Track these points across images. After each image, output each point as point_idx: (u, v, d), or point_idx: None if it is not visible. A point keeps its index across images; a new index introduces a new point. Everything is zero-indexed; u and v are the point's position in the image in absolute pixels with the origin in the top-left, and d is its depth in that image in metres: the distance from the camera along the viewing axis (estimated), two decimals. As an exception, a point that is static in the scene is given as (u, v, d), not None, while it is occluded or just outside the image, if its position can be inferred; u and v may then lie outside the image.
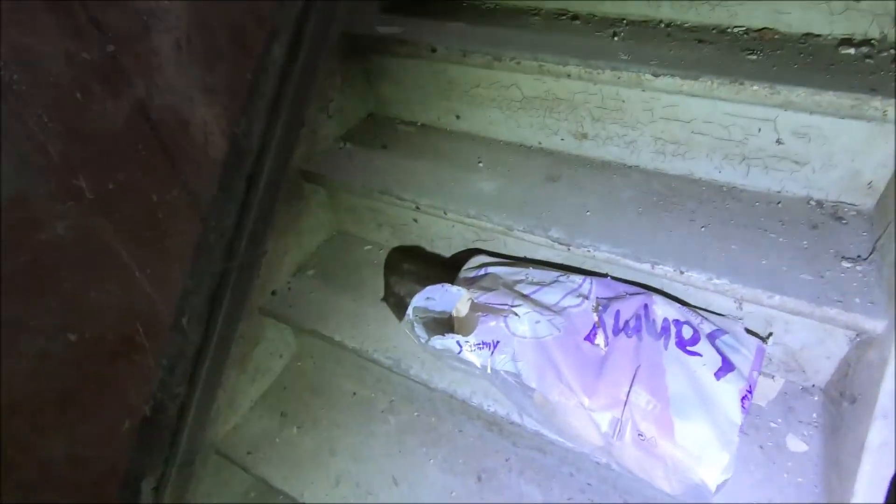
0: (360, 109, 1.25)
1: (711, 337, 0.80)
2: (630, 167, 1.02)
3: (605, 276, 0.91)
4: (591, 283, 0.88)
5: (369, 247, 1.25)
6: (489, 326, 0.80)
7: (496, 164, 1.08)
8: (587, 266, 0.95)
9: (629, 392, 0.73)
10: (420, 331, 0.82)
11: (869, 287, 0.74)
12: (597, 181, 1.00)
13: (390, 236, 1.22)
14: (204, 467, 1.13)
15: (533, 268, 0.94)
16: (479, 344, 0.80)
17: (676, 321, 0.81)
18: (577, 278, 0.89)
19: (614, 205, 0.94)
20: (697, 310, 0.86)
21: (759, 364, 0.79)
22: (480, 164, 1.08)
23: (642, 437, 0.71)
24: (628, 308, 0.83)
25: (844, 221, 0.85)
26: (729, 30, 0.97)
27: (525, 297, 0.85)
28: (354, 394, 1.20)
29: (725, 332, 0.80)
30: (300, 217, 1.17)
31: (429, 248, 1.17)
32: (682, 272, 0.80)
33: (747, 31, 0.95)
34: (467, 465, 1.05)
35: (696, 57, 0.88)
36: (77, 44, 0.75)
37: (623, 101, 0.94)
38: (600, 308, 0.83)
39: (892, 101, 0.72)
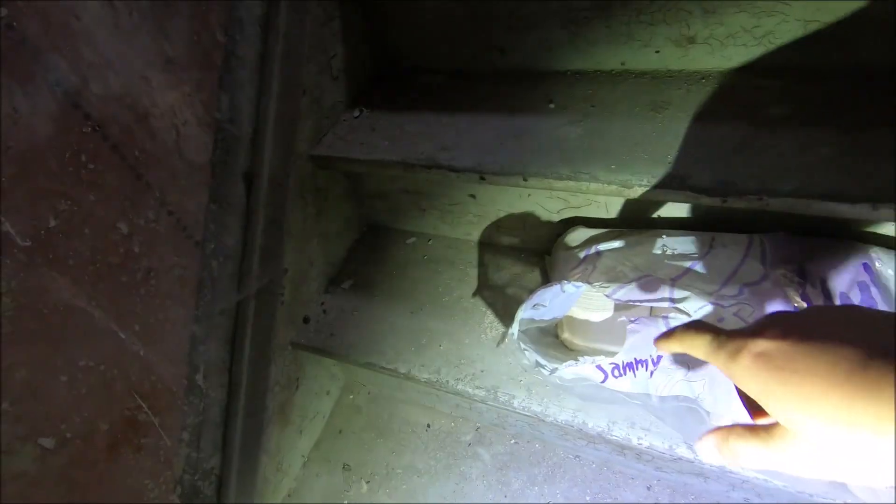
0: (370, 62, 0.95)
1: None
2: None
3: (780, 231, 0.63)
4: (764, 243, 0.60)
5: (413, 239, 0.98)
6: (645, 335, 0.53)
7: (573, 101, 0.79)
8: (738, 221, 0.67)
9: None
10: (537, 357, 0.55)
11: None
12: (734, 97, 0.71)
13: (439, 222, 0.94)
14: (261, 549, 0.90)
15: (666, 235, 0.66)
16: (630, 363, 0.53)
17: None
18: (740, 240, 0.62)
19: (770, 124, 0.65)
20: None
21: None
22: (552, 106, 0.79)
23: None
24: (838, 273, 0.55)
25: None
26: None
27: (682, 281, 0.58)
28: (428, 426, 0.95)
29: None
30: (320, 217, 0.90)
31: (494, 229, 0.90)
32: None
33: None
34: (598, 501, 0.80)
35: None
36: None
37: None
38: (795, 281, 0.55)
39: None
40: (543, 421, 0.69)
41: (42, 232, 0.57)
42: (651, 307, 0.56)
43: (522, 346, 0.57)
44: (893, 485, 0.23)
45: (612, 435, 0.65)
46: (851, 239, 0.60)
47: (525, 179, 0.70)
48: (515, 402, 0.70)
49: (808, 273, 0.56)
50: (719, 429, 0.30)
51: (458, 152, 0.76)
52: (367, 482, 0.89)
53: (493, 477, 0.86)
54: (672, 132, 0.69)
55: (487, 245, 0.93)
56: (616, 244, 0.67)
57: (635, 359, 0.54)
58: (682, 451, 0.61)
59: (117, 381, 0.68)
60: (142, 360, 0.71)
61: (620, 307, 0.59)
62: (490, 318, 0.81)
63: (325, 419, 1.00)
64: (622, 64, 0.81)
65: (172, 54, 0.68)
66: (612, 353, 0.55)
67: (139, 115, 0.66)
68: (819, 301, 0.54)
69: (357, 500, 0.87)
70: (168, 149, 0.70)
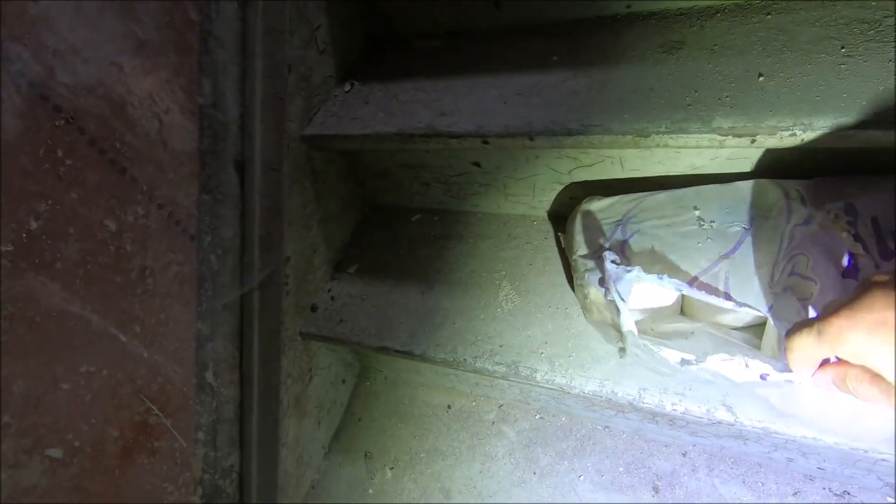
0: (358, 31, 0.90)
1: None
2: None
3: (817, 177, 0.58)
4: (802, 187, 0.55)
5: (418, 216, 0.94)
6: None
7: (578, 52, 0.73)
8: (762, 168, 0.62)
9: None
10: (680, 354, 0.51)
11: None
12: (752, 30, 0.65)
13: (443, 196, 0.90)
14: (290, 543, 0.89)
15: (697, 208, 0.61)
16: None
17: None
18: (775, 187, 0.56)
19: (801, 54, 0.59)
20: None
21: None
22: (555, 59, 0.73)
23: None
24: (889, 210, 0.50)
25: None
26: None
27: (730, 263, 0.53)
28: (449, 407, 0.92)
29: None
30: (320, 200, 0.86)
31: (502, 198, 0.85)
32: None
33: None
34: (632, 472, 0.77)
35: None
36: None
37: None
38: (844, 220, 0.50)
39: None
40: (569, 393, 0.66)
41: (24, 235, 0.54)
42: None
43: (653, 346, 0.52)
44: None
45: (643, 403, 0.61)
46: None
47: (531, 139, 0.65)
48: (538, 376, 0.66)
49: (859, 212, 0.50)
50: (836, 364, 0.34)
51: (458, 117, 0.71)
52: (391, 469, 0.87)
53: (520, 454, 0.83)
54: (689, 73, 0.63)
55: (496, 216, 0.88)
56: (645, 222, 0.62)
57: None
58: (721, 415, 0.57)
59: (123, 386, 0.65)
60: (147, 362, 0.68)
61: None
62: (506, 290, 0.77)
63: (342, 408, 0.97)
64: (627, 7, 0.75)
65: (144, 37, 0.64)
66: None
67: (115, 105, 0.61)
68: (871, 239, 0.48)
69: (382, 488, 0.85)
70: (151, 139, 0.66)
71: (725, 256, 0.57)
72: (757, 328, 0.59)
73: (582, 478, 0.78)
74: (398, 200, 0.95)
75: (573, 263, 0.69)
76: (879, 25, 0.58)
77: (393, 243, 0.91)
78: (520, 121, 0.66)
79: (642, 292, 0.61)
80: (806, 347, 0.34)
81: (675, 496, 0.73)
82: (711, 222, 0.60)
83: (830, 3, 0.63)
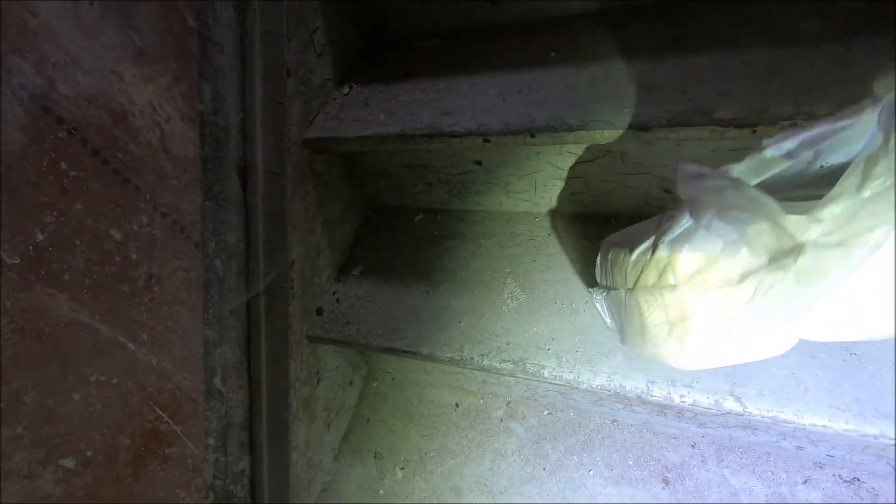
0: (355, 33, 0.90)
1: None
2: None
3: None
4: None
5: (420, 216, 0.94)
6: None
7: (577, 48, 0.73)
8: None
9: None
10: None
11: None
12: (754, 24, 0.65)
13: (446, 195, 0.90)
14: (303, 545, 0.89)
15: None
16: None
17: None
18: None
19: (804, 47, 0.59)
20: None
21: None
22: (553, 55, 0.73)
23: None
24: None
25: None
26: None
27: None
28: (457, 406, 0.92)
29: None
30: (322, 203, 0.86)
31: (504, 196, 0.85)
32: None
33: None
34: (642, 465, 0.77)
35: None
36: None
37: None
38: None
39: None
40: (577, 388, 0.66)
41: (30, 248, 0.54)
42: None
43: None
44: None
45: (651, 395, 0.61)
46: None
47: (532, 136, 0.65)
48: (546, 373, 0.67)
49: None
50: None
51: (459, 116, 0.71)
52: (402, 468, 0.87)
53: (530, 450, 0.83)
54: (690, 65, 0.63)
55: (499, 213, 0.88)
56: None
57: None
58: (730, 405, 0.57)
59: (133, 394, 0.66)
60: (156, 370, 0.68)
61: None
62: (510, 288, 0.77)
63: (351, 410, 0.98)
64: (626, 1, 0.75)
65: (142, 45, 0.64)
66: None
67: (116, 115, 0.62)
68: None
69: (393, 488, 0.85)
70: (153, 148, 0.66)
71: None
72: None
73: (591, 472, 0.78)
74: (400, 201, 0.95)
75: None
76: (878, 15, 0.58)
77: (396, 244, 0.91)
78: (521, 118, 0.66)
79: None
80: None
81: (686, 487, 0.73)
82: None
83: (828, -8, 0.63)
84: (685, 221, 0.50)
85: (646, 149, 0.69)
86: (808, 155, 0.47)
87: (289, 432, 0.83)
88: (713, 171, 0.49)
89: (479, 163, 0.81)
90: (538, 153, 0.75)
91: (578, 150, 0.74)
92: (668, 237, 0.51)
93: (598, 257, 0.67)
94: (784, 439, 0.70)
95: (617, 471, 0.77)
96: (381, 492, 0.86)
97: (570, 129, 0.62)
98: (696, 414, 0.71)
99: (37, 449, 0.55)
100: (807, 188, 0.50)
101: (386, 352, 0.78)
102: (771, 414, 0.56)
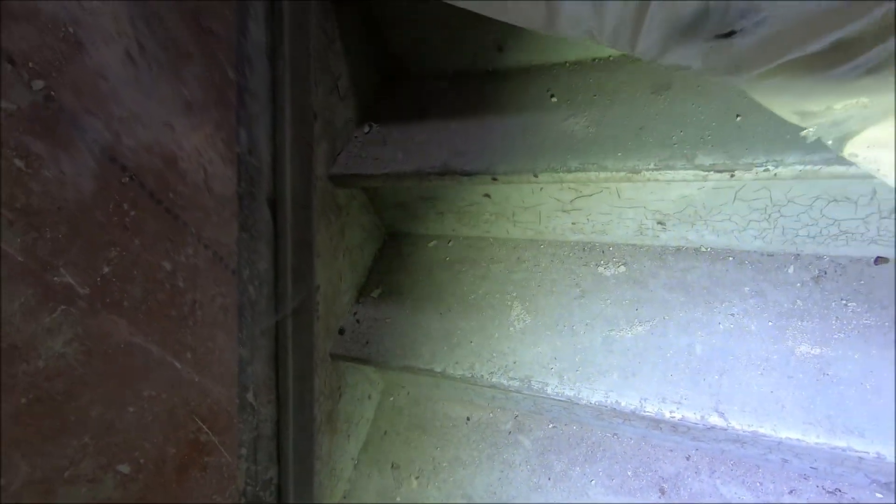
0: (375, 78, 0.98)
1: None
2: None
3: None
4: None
5: (434, 242, 1.01)
6: None
7: (574, 93, 0.81)
8: (760, 200, 0.69)
9: None
10: None
11: None
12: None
13: (457, 223, 0.98)
14: (324, 549, 0.96)
15: None
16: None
17: None
18: None
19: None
20: None
21: None
22: (554, 99, 0.81)
23: None
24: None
25: None
26: None
27: None
28: (468, 419, 0.99)
29: None
30: (344, 231, 0.94)
31: (511, 225, 0.92)
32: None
33: None
34: (640, 476, 0.83)
35: None
36: (-17, 90, 0.52)
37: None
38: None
39: None
40: (577, 404, 0.72)
41: (98, 279, 0.62)
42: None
43: None
44: None
45: (644, 411, 0.68)
46: None
47: (535, 176, 0.72)
48: (549, 389, 0.73)
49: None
50: None
51: (469, 156, 0.79)
52: (417, 478, 0.94)
53: (536, 461, 0.89)
54: (675, 113, 0.71)
55: (506, 240, 0.96)
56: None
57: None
58: (714, 420, 0.64)
59: (178, 408, 0.73)
60: (197, 386, 0.76)
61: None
62: (517, 310, 0.84)
63: (369, 422, 1.05)
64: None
65: (191, 98, 0.73)
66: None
67: (168, 161, 0.70)
68: None
69: (409, 496, 0.92)
70: (198, 188, 0.75)
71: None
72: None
73: (593, 482, 0.84)
74: (415, 228, 1.03)
75: None
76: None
77: (411, 268, 0.99)
78: (524, 158, 0.74)
79: None
80: None
81: (680, 497, 0.79)
82: None
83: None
84: None
85: (638, 186, 0.76)
86: None
87: (313, 443, 0.90)
88: None
89: (487, 195, 0.88)
90: (542, 188, 0.82)
91: (578, 185, 0.81)
92: None
93: None
94: (770, 452, 0.76)
95: (617, 481, 0.83)
96: (398, 499, 0.92)
97: (569, 170, 0.70)
98: (688, 428, 0.77)
99: (100, 456, 0.63)
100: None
101: (403, 370, 0.85)
102: (752, 428, 0.62)
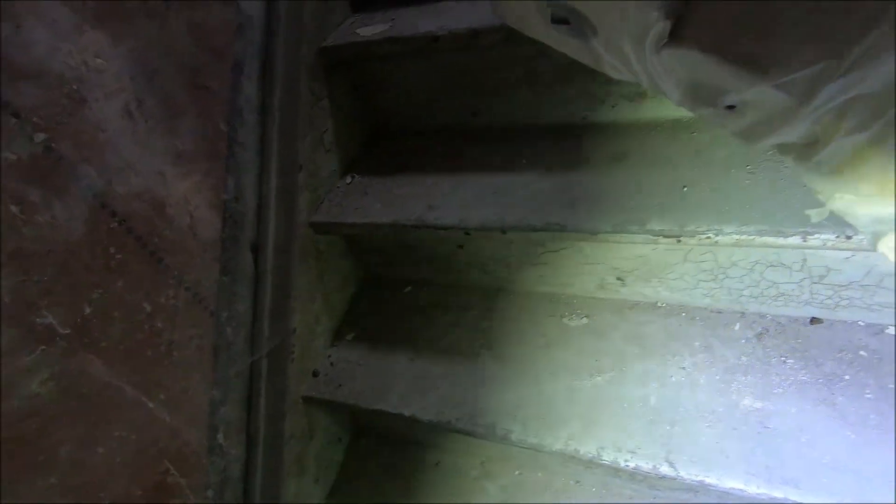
0: (358, 132, 1.05)
1: None
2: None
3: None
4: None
5: (409, 288, 1.05)
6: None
7: (542, 156, 0.88)
8: (707, 262, 0.75)
9: None
10: None
11: None
12: (682, 146, 0.80)
13: (431, 271, 1.02)
14: None
15: None
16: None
17: None
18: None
19: (717, 169, 0.74)
20: None
21: None
22: (524, 161, 0.88)
23: None
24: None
25: None
26: None
27: None
28: (437, 464, 1.00)
29: None
30: (322, 276, 0.98)
31: (483, 274, 0.97)
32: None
33: None
34: (601, 524, 0.85)
35: None
36: (-11, 143, 0.55)
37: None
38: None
39: None
40: (540, 451, 0.76)
41: (79, 319, 0.64)
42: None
43: None
44: None
45: (602, 459, 0.71)
46: None
47: (504, 233, 0.78)
48: (513, 436, 0.76)
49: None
50: None
51: (443, 211, 0.84)
52: (383, 524, 0.94)
53: (502, 508, 0.91)
54: (632, 180, 0.78)
55: (477, 289, 1.00)
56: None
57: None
58: (665, 470, 0.68)
59: (148, 448, 0.74)
60: (168, 426, 0.77)
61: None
62: (484, 358, 0.87)
63: (338, 465, 1.05)
64: (584, 118, 0.91)
65: (183, 149, 0.77)
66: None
67: (157, 206, 0.74)
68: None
69: (375, 542, 0.92)
70: (183, 232, 0.78)
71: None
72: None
73: (556, 530, 0.86)
74: (391, 274, 1.07)
75: None
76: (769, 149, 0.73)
77: (386, 312, 1.02)
78: (494, 216, 0.80)
79: None
80: None
81: (639, 546, 0.81)
82: None
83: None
84: None
85: (597, 245, 0.82)
86: None
87: (281, 487, 0.90)
88: None
89: (461, 246, 0.94)
90: (511, 242, 0.88)
91: (544, 241, 0.87)
92: None
93: None
94: (721, 501, 0.79)
95: (578, 529, 0.85)
96: (363, 546, 0.92)
97: (534, 229, 0.76)
98: (644, 477, 0.81)
99: (67, 495, 0.63)
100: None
101: (372, 414, 0.88)
102: (699, 478, 0.66)
